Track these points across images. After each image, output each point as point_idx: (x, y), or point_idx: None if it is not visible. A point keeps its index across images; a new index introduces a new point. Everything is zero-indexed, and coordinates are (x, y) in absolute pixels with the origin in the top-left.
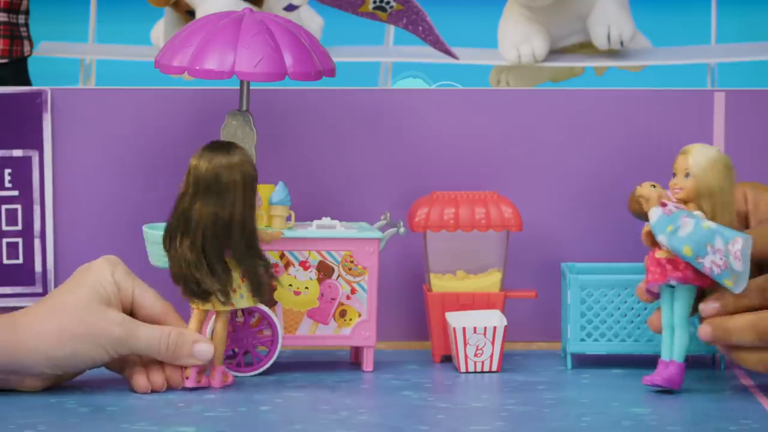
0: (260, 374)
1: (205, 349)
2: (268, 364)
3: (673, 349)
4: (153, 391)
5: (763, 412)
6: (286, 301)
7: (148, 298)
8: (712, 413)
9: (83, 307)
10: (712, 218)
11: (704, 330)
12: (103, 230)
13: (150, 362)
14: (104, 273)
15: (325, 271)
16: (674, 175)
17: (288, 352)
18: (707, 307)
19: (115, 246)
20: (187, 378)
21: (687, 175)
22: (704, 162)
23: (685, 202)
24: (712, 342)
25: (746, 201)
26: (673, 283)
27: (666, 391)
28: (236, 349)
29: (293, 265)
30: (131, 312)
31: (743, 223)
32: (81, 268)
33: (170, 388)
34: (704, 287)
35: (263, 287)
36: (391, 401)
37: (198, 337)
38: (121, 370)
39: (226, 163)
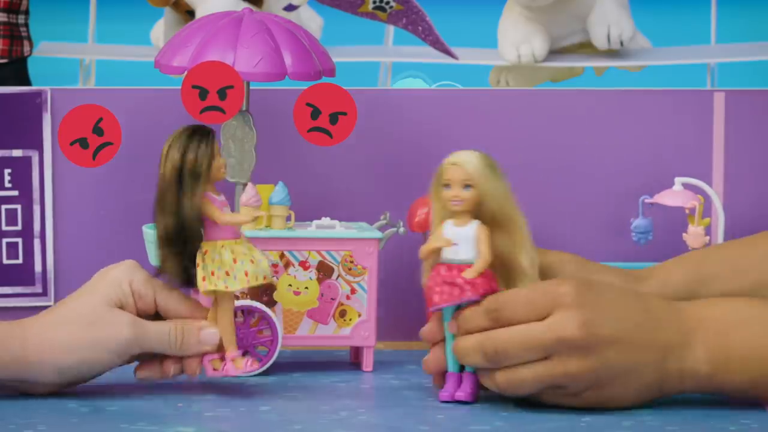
0: (260, 374)
1: (211, 333)
2: (268, 364)
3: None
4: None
5: (763, 412)
6: (285, 301)
7: (173, 301)
8: (712, 413)
9: (90, 316)
10: (504, 215)
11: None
12: (103, 230)
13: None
14: (121, 282)
15: (324, 271)
16: (447, 186)
17: (288, 352)
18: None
19: (115, 246)
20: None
21: (467, 186)
22: (484, 169)
23: (462, 212)
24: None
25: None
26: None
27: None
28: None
29: (293, 265)
30: (156, 317)
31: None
32: (100, 272)
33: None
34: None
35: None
36: (391, 401)
37: (203, 323)
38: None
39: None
